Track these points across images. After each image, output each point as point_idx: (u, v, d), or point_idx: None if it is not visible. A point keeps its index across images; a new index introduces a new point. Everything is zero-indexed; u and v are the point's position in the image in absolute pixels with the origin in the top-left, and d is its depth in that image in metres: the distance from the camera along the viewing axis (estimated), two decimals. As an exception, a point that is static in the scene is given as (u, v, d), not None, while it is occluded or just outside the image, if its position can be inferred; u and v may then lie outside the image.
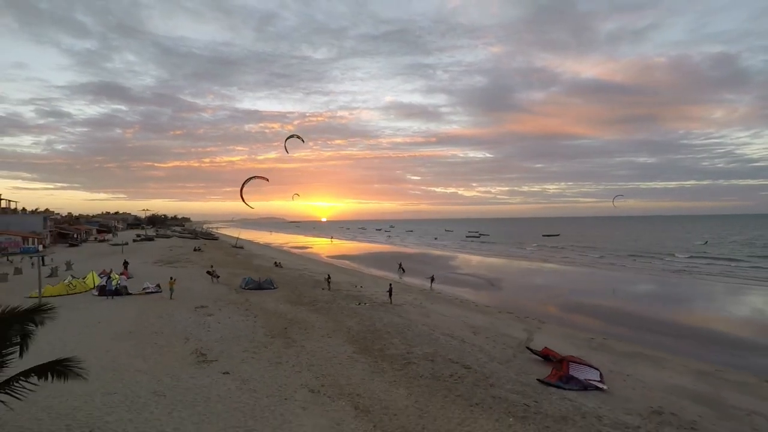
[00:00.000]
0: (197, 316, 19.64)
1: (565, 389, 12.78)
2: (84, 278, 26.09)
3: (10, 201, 71.43)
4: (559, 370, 13.92)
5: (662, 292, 34.41)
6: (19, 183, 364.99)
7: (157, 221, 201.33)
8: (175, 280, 25.74)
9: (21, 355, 7.25)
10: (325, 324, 19.27)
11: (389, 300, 25.62)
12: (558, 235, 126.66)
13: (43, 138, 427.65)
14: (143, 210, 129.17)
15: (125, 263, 33.05)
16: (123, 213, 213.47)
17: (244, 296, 25.49)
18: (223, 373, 12.06)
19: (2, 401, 6.91)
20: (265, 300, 24.47)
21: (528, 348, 16.64)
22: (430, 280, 34.22)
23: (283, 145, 36.30)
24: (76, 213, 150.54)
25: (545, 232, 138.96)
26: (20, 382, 7.02)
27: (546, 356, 15.43)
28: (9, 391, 6.94)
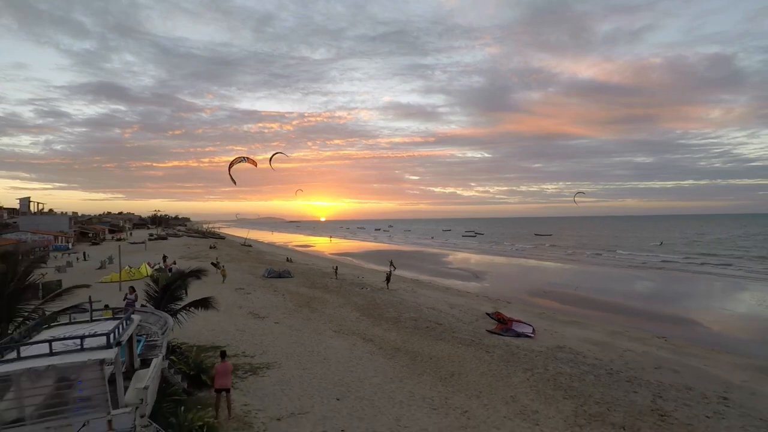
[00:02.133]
0: (239, 293, 25.72)
1: (503, 336, 18.86)
2: (139, 268, 32.11)
3: (38, 203, 77.37)
4: (503, 325, 20.03)
5: (606, 280, 40.71)
6: (17, 183, 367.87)
7: (162, 221, 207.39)
8: (224, 267, 32.35)
9: (186, 294, 13.40)
10: (337, 300, 25.36)
11: (386, 286, 31.69)
12: (551, 235, 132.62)
13: (42, 138, 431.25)
14: (156, 210, 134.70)
15: (164, 257, 39.00)
16: (127, 213, 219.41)
17: (269, 282, 31.58)
18: (275, 323, 18.15)
19: (181, 318, 13.00)
20: (287, 285, 30.55)
21: (487, 314, 22.72)
22: (389, 267, 36.43)
23: (229, 173, 33.50)
24: (77, 213, 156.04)
25: (539, 232, 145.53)
26: (187, 309, 13.15)
27: (499, 319, 21.44)
28: (183, 314, 13.07)
